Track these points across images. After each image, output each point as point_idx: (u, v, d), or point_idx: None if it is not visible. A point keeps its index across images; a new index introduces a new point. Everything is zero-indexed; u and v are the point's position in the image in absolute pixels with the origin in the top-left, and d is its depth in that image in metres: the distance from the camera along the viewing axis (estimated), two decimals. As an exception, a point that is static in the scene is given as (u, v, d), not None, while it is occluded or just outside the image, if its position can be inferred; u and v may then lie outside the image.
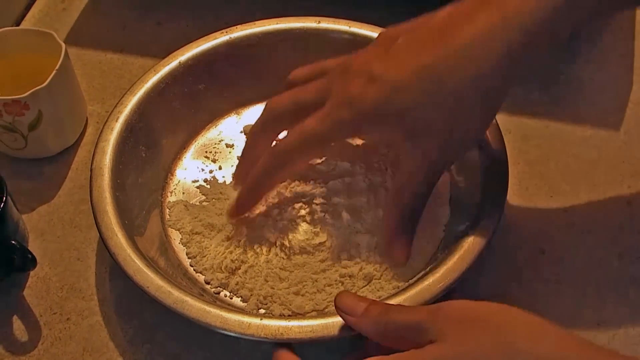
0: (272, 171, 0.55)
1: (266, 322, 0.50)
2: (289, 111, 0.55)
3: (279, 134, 0.57)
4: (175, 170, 0.64)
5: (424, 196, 0.53)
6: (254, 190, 0.57)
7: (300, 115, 0.53)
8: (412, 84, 0.48)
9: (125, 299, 0.58)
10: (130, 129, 0.61)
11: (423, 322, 0.42)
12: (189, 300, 0.51)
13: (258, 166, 0.55)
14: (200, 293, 0.55)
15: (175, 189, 0.63)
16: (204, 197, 0.62)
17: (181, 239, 0.59)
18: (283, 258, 0.57)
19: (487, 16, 0.46)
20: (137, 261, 0.53)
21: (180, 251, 0.59)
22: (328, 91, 0.52)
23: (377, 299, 0.51)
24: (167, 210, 0.62)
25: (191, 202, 0.62)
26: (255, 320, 0.50)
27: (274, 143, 0.57)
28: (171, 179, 0.64)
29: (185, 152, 0.65)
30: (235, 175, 0.62)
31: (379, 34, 0.54)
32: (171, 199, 0.62)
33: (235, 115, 0.68)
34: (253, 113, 0.68)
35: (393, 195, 0.54)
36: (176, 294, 0.51)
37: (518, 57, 0.47)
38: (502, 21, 0.46)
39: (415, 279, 0.54)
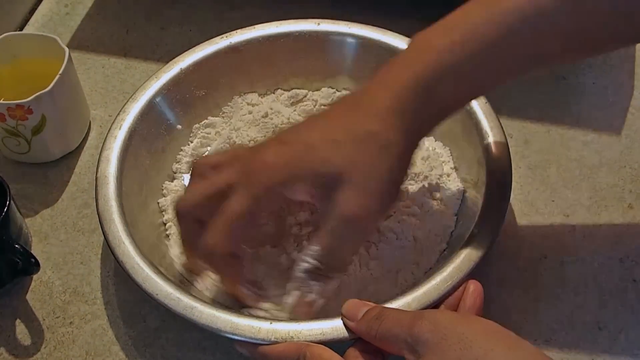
0: (221, 266, 0.53)
1: (276, 325, 0.50)
2: (200, 204, 0.52)
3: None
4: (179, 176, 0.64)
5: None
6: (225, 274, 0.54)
7: (214, 205, 0.51)
8: (322, 142, 0.50)
9: (129, 303, 0.58)
10: (133, 136, 0.61)
11: (404, 335, 0.44)
12: (199, 306, 0.51)
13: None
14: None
15: (179, 194, 0.63)
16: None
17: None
18: None
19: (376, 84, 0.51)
20: (145, 269, 0.53)
21: (183, 260, 0.59)
22: (239, 172, 0.51)
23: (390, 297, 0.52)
24: (171, 215, 0.62)
25: None
26: (266, 325, 0.50)
27: None
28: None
29: (188, 157, 0.65)
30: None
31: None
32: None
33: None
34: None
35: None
36: (186, 300, 0.51)
37: (404, 115, 0.49)
38: (384, 87, 0.50)
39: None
